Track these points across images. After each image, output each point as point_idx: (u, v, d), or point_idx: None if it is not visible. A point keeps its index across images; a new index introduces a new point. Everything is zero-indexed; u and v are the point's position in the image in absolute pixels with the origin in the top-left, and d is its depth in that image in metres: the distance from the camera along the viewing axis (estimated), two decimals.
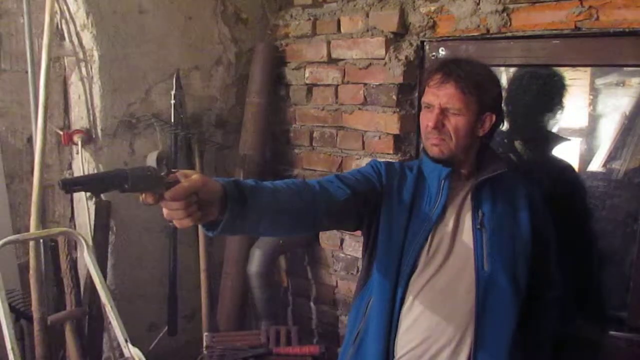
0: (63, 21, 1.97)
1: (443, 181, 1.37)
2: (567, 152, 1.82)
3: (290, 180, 1.25)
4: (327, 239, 2.28)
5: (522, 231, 1.40)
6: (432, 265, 1.36)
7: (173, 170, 0.93)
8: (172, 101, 2.10)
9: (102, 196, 2.03)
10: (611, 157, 1.74)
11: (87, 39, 1.94)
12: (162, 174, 0.91)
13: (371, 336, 1.39)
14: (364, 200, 1.35)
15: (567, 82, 1.81)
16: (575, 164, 1.81)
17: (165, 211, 0.92)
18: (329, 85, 2.17)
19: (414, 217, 1.38)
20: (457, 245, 1.37)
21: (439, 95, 1.33)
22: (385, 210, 1.39)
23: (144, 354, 1.64)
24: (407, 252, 1.36)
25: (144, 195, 0.90)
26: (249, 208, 1.02)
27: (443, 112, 1.33)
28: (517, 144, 1.93)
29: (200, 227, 1.05)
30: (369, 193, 1.37)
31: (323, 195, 1.24)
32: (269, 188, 1.13)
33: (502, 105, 1.45)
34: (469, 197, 1.39)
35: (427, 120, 1.36)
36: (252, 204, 1.03)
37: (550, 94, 1.85)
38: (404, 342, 1.36)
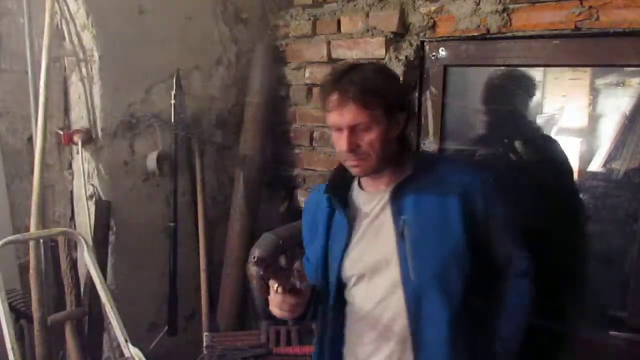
0: (63, 21, 1.96)
1: (337, 206, 1.38)
2: (567, 152, 1.82)
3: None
4: None
5: (453, 230, 1.29)
6: (361, 286, 1.35)
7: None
8: (172, 101, 2.10)
9: (102, 196, 2.03)
10: (611, 157, 1.74)
11: (87, 39, 1.93)
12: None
13: (327, 344, 1.44)
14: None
15: (567, 82, 1.81)
16: (575, 164, 1.81)
17: (278, 302, 1.20)
18: None
19: (331, 242, 1.39)
20: (380, 260, 1.32)
21: (343, 116, 1.24)
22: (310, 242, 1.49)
23: (144, 354, 1.64)
24: (331, 276, 1.38)
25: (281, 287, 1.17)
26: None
27: (353, 130, 1.25)
28: (517, 143, 1.92)
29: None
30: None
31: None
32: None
33: (407, 97, 1.41)
34: (389, 205, 1.32)
35: (340, 144, 1.27)
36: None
37: (549, 93, 1.84)
38: (352, 357, 1.42)
